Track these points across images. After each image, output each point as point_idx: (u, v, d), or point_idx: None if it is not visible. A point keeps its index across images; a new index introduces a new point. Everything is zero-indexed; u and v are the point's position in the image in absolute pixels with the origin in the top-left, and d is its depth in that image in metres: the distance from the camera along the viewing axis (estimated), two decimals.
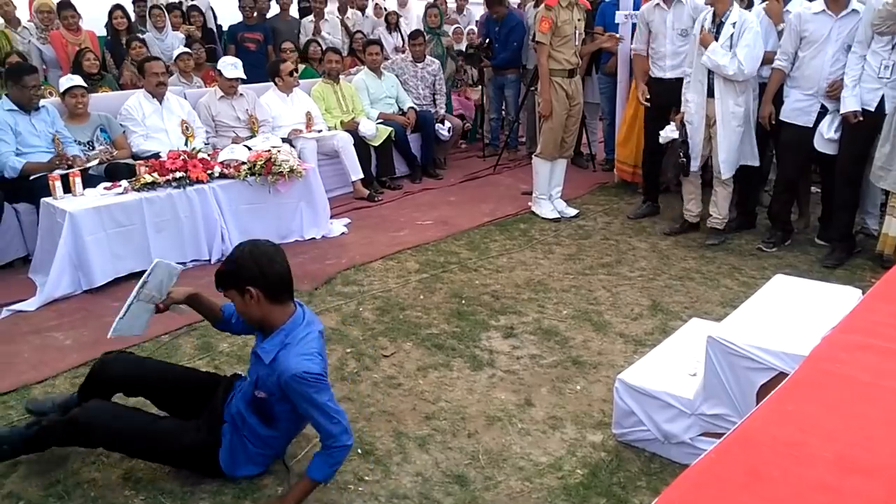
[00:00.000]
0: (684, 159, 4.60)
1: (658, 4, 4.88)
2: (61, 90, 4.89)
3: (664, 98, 4.98)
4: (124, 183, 4.32)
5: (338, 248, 4.80)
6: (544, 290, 4.05)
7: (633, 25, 5.43)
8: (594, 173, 6.73)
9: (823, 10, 4.14)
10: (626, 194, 5.89)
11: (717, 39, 4.35)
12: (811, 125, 4.27)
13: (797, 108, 4.33)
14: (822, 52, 4.15)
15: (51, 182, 4.13)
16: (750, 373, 2.36)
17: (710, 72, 4.42)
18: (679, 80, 4.79)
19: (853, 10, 4.06)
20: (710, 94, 4.47)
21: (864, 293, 2.42)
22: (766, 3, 4.60)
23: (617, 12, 5.55)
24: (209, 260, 4.51)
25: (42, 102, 4.75)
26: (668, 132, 4.68)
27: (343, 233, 5.13)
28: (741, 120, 4.46)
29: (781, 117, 4.42)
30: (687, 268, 4.35)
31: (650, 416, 2.59)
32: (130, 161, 4.83)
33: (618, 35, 5.58)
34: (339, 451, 2.26)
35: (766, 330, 2.41)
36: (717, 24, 4.39)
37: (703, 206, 4.94)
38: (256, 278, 2.24)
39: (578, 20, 5.08)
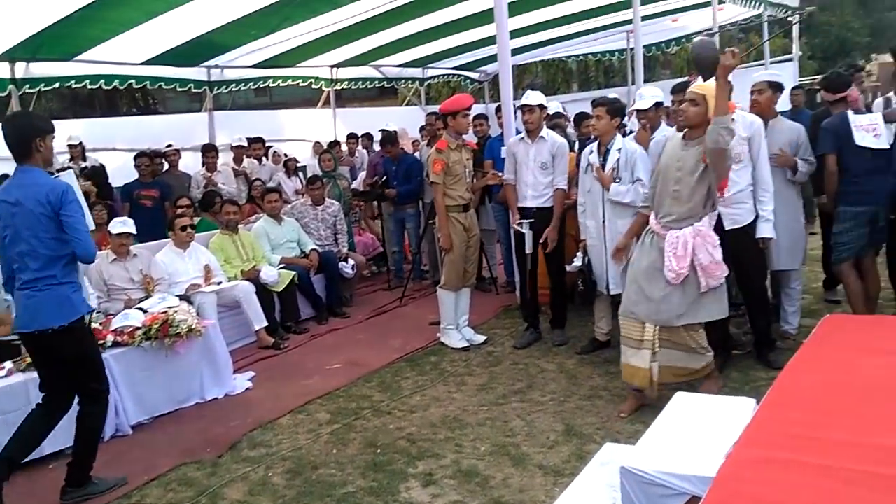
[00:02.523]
0: (582, 287, 4.79)
1: (523, 138, 5.22)
2: None
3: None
4: (8, 364, 4.07)
5: (243, 407, 4.61)
6: (460, 427, 3.99)
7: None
8: (497, 296, 6.87)
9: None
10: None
11: (604, 166, 4.64)
12: None
13: None
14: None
15: None
16: (665, 500, 2.35)
17: (603, 196, 4.69)
18: (540, 209, 5.11)
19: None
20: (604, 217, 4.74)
21: (758, 401, 2.52)
22: (636, 133, 5.01)
23: (503, 147, 5.89)
24: (102, 438, 4.21)
25: None
26: (576, 261, 4.87)
27: (248, 388, 4.95)
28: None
29: None
30: (595, 386, 4.41)
31: None
32: (14, 337, 4.54)
33: (500, 173, 5.88)
34: None
35: (675, 453, 2.45)
36: (604, 153, 4.68)
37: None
38: None
39: (467, 159, 5.37)
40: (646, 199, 4.56)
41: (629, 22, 9.99)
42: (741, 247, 4.20)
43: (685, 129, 3.79)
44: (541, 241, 5.11)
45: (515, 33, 9.67)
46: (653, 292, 3.78)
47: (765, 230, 4.23)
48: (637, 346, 3.87)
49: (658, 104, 4.96)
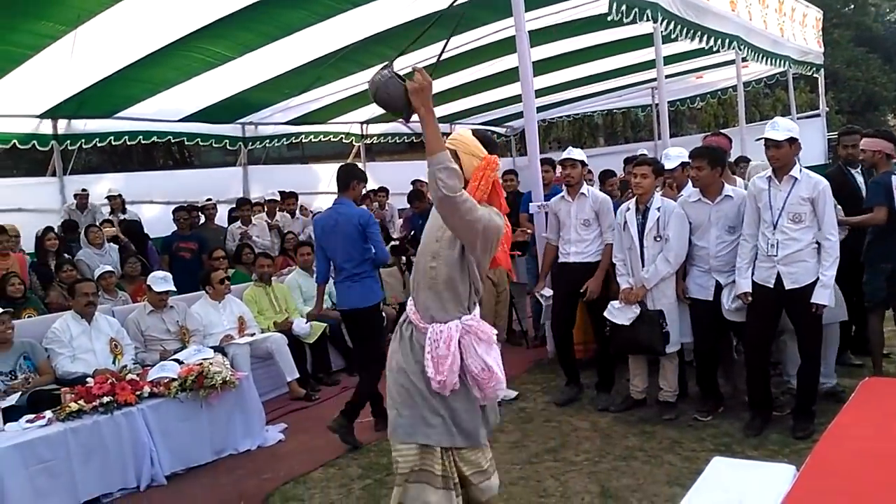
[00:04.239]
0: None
1: (563, 197, 5.25)
2: None
3: (570, 280, 5.16)
4: (48, 413, 4.15)
5: (275, 459, 4.63)
6: None
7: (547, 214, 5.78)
8: (528, 350, 6.85)
9: (700, 199, 4.59)
10: (562, 370, 5.97)
11: (644, 226, 4.67)
12: (711, 298, 4.54)
13: (697, 284, 4.64)
14: (706, 235, 4.54)
15: None
16: None
17: (643, 255, 4.70)
18: (584, 265, 5.09)
19: (727, 195, 4.49)
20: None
21: (797, 467, 2.49)
22: (663, 190, 5.06)
23: (530, 203, 5.97)
24: (138, 487, 4.27)
25: None
26: (628, 312, 4.71)
27: (280, 440, 4.98)
28: (670, 298, 4.69)
29: (688, 294, 4.71)
30: (630, 446, 4.35)
31: None
32: (54, 387, 4.66)
33: (528, 231, 5.95)
34: None
35: None
36: (643, 211, 4.71)
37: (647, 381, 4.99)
38: None
39: None
40: (678, 259, 4.59)
41: (654, 79, 10.18)
42: (799, 308, 4.14)
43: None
44: (581, 290, 5.06)
45: (541, 91, 9.90)
46: (420, 405, 2.70)
47: (821, 296, 4.05)
48: (438, 484, 2.69)
49: (684, 164, 5.04)
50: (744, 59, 8.95)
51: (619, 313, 4.74)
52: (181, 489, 4.26)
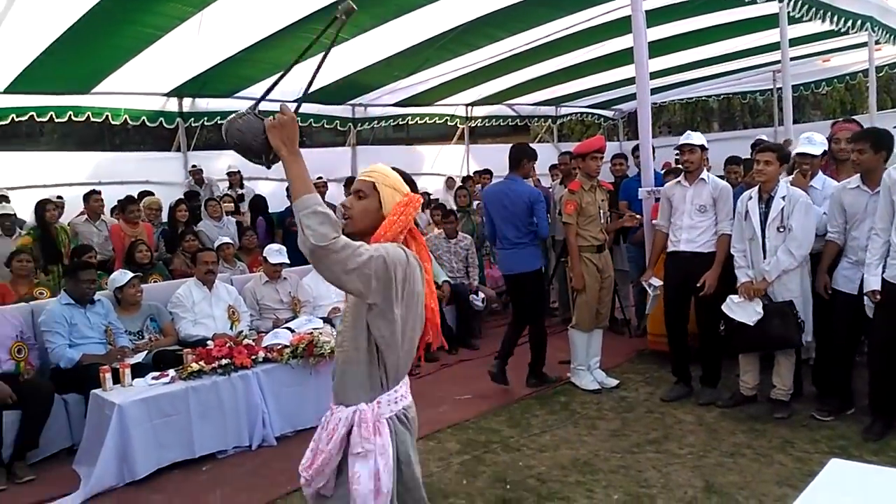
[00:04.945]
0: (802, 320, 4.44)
1: (679, 182, 5.05)
2: (115, 286, 5.17)
3: (679, 271, 4.98)
4: (171, 372, 4.44)
5: None
6: (591, 472, 3.92)
7: (656, 200, 5.61)
8: (631, 339, 6.72)
9: (858, 186, 4.28)
10: (665, 361, 5.79)
11: (768, 215, 4.45)
12: (856, 293, 4.25)
13: (844, 276, 4.36)
14: (861, 225, 4.25)
15: (101, 374, 4.27)
16: None
17: (765, 246, 4.49)
18: (695, 255, 4.87)
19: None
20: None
21: None
22: (792, 177, 4.79)
23: (640, 189, 5.80)
24: (250, 446, 4.52)
25: (97, 296, 5.02)
26: (751, 310, 4.47)
27: None
28: (794, 293, 4.45)
29: (833, 284, 4.43)
30: (737, 443, 4.20)
31: None
32: (177, 348, 5.00)
33: (638, 215, 5.80)
34: None
35: None
36: (767, 200, 4.49)
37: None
38: None
39: (602, 200, 5.32)
40: (801, 251, 4.35)
41: (776, 62, 9.64)
42: None
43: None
44: (697, 285, 4.86)
45: (654, 74, 9.57)
46: None
47: None
48: None
49: (824, 152, 4.75)
50: (877, 42, 8.32)
51: (740, 309, 4.52)
52: (289, 450, 4.46)
